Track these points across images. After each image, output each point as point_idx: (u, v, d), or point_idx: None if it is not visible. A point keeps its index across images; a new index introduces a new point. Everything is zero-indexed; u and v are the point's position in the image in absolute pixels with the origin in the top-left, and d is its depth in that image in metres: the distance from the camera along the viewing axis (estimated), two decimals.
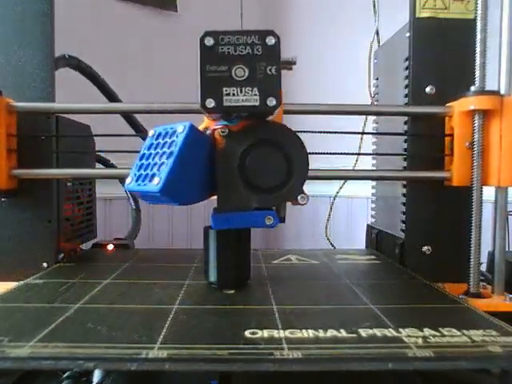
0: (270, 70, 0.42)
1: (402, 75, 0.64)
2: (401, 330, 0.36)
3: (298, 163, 0.45)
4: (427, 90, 0.59)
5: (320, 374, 0.35)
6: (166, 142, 0.42)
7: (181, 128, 0.41)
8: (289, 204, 0.47)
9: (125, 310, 0.41)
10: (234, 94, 0.41)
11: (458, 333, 0.35)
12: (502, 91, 0.53)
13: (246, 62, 0.41)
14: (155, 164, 0.41)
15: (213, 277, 0.49)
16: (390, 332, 0.35)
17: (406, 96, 0.63)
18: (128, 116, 0.79)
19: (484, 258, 0.56)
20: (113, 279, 0.52)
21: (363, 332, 0.35)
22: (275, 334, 0.35)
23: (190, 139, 0.41)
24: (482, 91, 0.52)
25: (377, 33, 0.79)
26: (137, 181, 0.42)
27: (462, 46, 0.58)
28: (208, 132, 0.45)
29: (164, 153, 0.41)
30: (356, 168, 0.83)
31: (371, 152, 0.78)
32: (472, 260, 0.52)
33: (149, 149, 0.43)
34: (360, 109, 0.60)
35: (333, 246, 0.94)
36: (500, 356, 0.31)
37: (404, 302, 0.45)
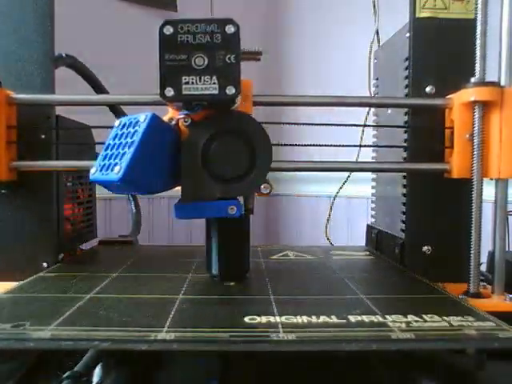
0: (230, 58, 0.42)
1: (402, 75, 0.64)
2: (387, 316, 0.39)
3: (261, 153, 0.45)
4: (427, 89, 0.59)
5: (316, 365, 0.40)
6: (129, 132, 0.42)
7: (142, 117, 0.41)
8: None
9: (133, 300, 0.44)
10: (193, 83, 0.42)
11: (439, 319, 0.38)
12: (502, 82, 0.52)
13: (205, 51, 0.42)
14: (118, 154, 0.41)
15: (214, 270, 0.51)
16: (377, 318, 0.38)
17: (406, 96, 0.63)
18: (113, 108, 0.79)
19: (484, 258, 0.56)
20: (120, 273, 0.55)
21: (352, 318, 0.38)
22: (272, 319, 0.38)
23: (152, 128, 0.41)
24: (482, 83, 0.52)
25: (377, 33, 0.79)
26: (101, 171, 0.42)
27: (462, 45, 0.58)
28: (173, 122, 0.45)
29: (127, 142, 0.41)
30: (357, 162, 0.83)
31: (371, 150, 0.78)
32: (472, 260, 0.52)
33: (114, 139, 0.43)
34: (360, 100, 0.60)
35: (333, 245, 0.95)
36: (474, 337, 0.34)
37: (392, 293, 0.48)
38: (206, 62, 0.42)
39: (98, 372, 0.40)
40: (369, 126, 0.74)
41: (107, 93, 0.78)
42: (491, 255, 0.55)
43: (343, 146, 0.58)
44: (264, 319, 0.38)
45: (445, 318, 0.38)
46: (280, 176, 1.90)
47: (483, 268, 0.59)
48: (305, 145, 0.56)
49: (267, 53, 0.49)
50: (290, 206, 1.88)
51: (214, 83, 0.42)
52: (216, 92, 0.42)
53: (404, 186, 0.63)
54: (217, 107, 0.45)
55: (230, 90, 0.42)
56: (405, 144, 0.62)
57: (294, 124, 0.59)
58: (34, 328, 0.35)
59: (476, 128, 0.52)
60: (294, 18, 1.72)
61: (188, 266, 0.59)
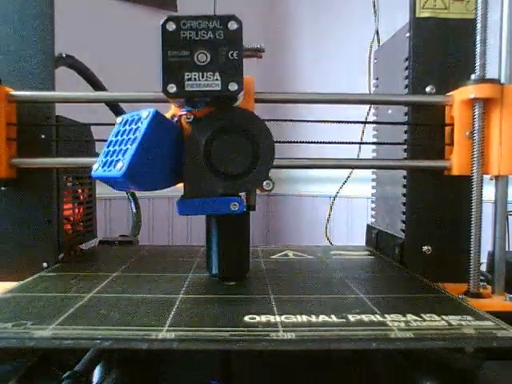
0: (232, 54, 0.42)
1: (402, 75, 0.64)
2: (386, 315, 0.39)
3: (264, 149, 0.45)
4: (427, 89, 0.59)
5: (317, 365, 0.41)
6: (131, 129, 0.42)
7: (145, 114, 0.41)
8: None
9: (133, 300, 0.44)
10: (195, 79, 0.42)
11: (438, 318, 0.38)
12: (502, 80, 0.52)
13: (207, 47, 0.42)
14: (120, 150, 0.41)
15: (214, 270, 0.51)
16: (376, 317, 0.39)
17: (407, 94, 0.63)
18: (114, 106, 0.79)
19: (484, 258, 0.56)
20: (120, 273, 0.55)
21: (352, 317, 0.38)
22: (272, 318, 0.38)
23: (154, 125, 0.41)
24: (482, 79, 0.52)
25: (377, 33, 0.79)
26: (103, 167, 0.42)
27: (462, 45, 0.58)
28: (175, 119, 0.45)
29: (129, 139, 0.41)
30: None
31: (371, 150, 0.78)
32: (472, 259, 0.52)
33: (116, 136, 0.44)
34: (360, 98, 0.60)
35: (332, 245, 0.95)
36: (473, 337, 0.35)
37: (392, 292, 0.48)
38: (208, 59, 0.42)
39: (97, 372, 0.40)
40: (369, 122, 0.74)
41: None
42: (491, 255, 0.55)
43: (343, 143, 0.57)
44: (264, 318, 0.38)
45: (444, 317, 0.39)
46: (280, 176, 1.90)
47: (483, 268, 0.59)
48: (305, 142, 0.56)
49: (263, 51, 0.49)
50: (290, 206, 1.88)
51: (217, 79, 0.42)
52: (219, 88, 0.42)
53: (404, 186, 0.63)
54: (219, 104, 0.45)
55: (233, 87, 0.42)
56: (405, 142, 0.62)
57: (294, 121, 0.58)
58: (35, 327, 0.35)
59: (476, 125, 0.52)
60: (295, 18, 1.72)
61: (188, 266, 0.59)
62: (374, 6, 0.79)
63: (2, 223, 0.59)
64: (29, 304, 0.42)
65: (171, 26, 0.42)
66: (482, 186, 0.52)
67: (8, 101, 0.55)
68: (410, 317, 0.39)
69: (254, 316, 0.38)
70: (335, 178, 0.98)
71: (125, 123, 0.44)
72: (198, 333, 0.35)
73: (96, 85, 0.77)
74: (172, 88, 0.42)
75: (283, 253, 0.69)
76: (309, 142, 0.56)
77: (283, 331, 0.35)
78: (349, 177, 0.95)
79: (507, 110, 0.51)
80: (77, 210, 0.74)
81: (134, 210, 0.92)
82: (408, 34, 0.61)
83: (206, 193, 0.45)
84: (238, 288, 0.49)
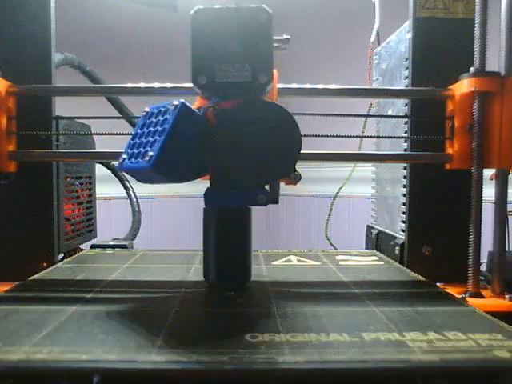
0: (262, 46, 0.41)
1: (402, 75, 0.64)
2: (405, 333, 0.35)
3: (291, 142, 0.44)
4: None
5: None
6: (158, 120, 0.42)
7: (173, 106, 0.41)
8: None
9: (121, 313, 0.40)
10: (225, 71, 0.41)
11: (464, 337, 0.34)
12: (502, 73, 0.52)
13: (238, 39, 0.41)
14: (148, 142, 0.41)
15: (212, 278, 0.48)
16: (394, 336, 0.34)
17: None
18: (115, 102, 0.79)
19: (484, 258, 0.56)
20: (109, 280, 0.51)
21: (366, 336, 0.34)
22: (276, 337, 0.34)
23: (182, 116, 0.41)
24: (482, 72, 0.51)
25: (377, 33, 0.79)
26: (129, 159, 0.42)
27: (462, 45, 0.58)
28: (201, 111, 0.45)
29: (157, 130, 0.41)
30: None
31: (372, 149, 0.78)
32: (471, 259, 0.52)
33: (142, 128, 0.43)
34: (361, 91, 0.60)
35: (333, 246, 0.94)
36: (508, 361, 0.30)
37: (407, 305, 0.43)
38: (239, 50, 0.41)
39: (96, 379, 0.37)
40: (371, 116, 0.74)
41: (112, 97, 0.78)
42: (491, 255, 0.55)
43: (345, 136, 0.57)
44: (267, 337, 0.34)
45: (470, 335, 0.34)
46: None
47: (483, 268, 0.58)
48: (305, 135, 0.55)
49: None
50: (290, 206, 1.88)
51: (247, 71, 0.41)
52: (249, 80, 0.41)
53: (404, 186, 0.63)
54: (247, 96, 0.44)
55: (263, 78, 0.41)
56: (405, 142, 0.62)
57: (308, 114, 0.58)
58: (5, 349, 0.31)
59: (476, 118, 0.52)
60: (295, 19, 1.72)
61: (184, 273, 0.55)
62: (374, 6, 0.79)
63: (2, 223, 0.59)
64: (4, 320, 0.37)
65: (201, 17, 0.41)
66: (481, 179, 0.52)
67: (8, 94, 0.55)
68: (432, 335, 0.34)
69: (256, 334, 0.34)
70: (335, 178, 0.98)
71: (150, 115, 0.43)
72: (192, 355, 0.30)
73: (98, 82, 0.77)
74: (203, 79, 0.41)
75: (286, 258, 0.65)
76: (309, 136, 0.56)
77: (290, 354, 0.30)
78: (349, 177, 0.95)
79: (507, 103, 0.51)
80: (77, 210, 0.74)
81: (136, 216, 0.92)
82: (408, 34, 0.61)
83: (232, 185, 0.44)
84: (238, 299, 0.45)
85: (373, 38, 0.79)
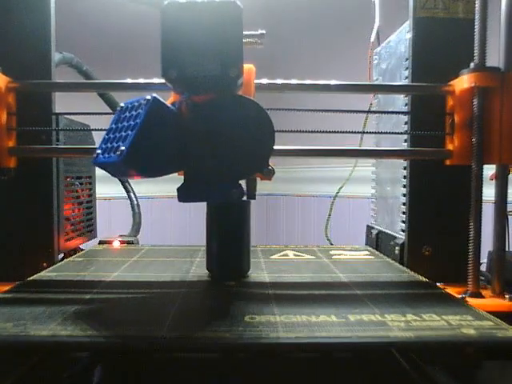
0: (233, 40, 0.41)
1: (402, 75, 0.64)
2: (386, 315, 0.39)
3: (263, 136, 0.44)
4: None
5: (315, 364, 0.41)
6: (131, 115, 0.42)
7: (145, 100, 0.41)
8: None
9: (134, 299, 0.45)
10: (196, 64, 0.41)
11: (438, 318, 0.38)
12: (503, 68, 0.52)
13: (208, 32, 0.41)
14: (120, 136, 0.41)
15: (215, 268, 0.52)
16: (376, 317, 0.38)
17: (406, 96, 0.63)
18: (105, 96, 0.79)
19: (484, 258, 0.56)
20: (119, 273, 0.55)
21: (352, 317, 0.38)
22: (271, 318, 0.38)
23: (154, 111, 0.41)
24: (482, 68, 0.51)
25: (377, 33, 0.79)
26: (103, 154, 0.42)
27: (461, 46, 0.58)
28: (175, 105, 0.45)
29: (129, 125, 0.41)
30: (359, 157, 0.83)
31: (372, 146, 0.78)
32: (471, 259, 0.52)
33: (116, 123, 0.43)
34: (362, 87, 0.60)
35: (332, 245, 0.94)
36: (473, 337, 0.34)
37: (392, 292, 0.48)
38: (209, 43, 0.41)
39: (97, 372, 0.40)
40: (372, 112, 0.74)
41: (105, 94, 0.79)
42: (491, 255, 0.55)
43: (346, 132, 0.57)
44: (263, 318, 0.38)
45: (443, 317, 0.39)
46: (280, 176, 1.90)
47: (483, 268, 0.58)
48: (307, 131, 0.55)
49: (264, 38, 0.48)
50: (290, 206, 1.88)
51: (217, 64, 0.41)
52: (219, 73, 0.41)
53: (404, 186, 0.63)
54: (219, 90, 0.44)
55: (233, 72, 0.41)
56: (405, 139, 0.62)
57: (294, 110, 0.58)
58: (34, 327, 0.35)
59: (476, 114, 0.51)
60: (295, 19, 1.72)
61: (188, 266, 0.59)
62: (374, 5, 0.79)
63: (2, 223, 0.59)
64: (28, 305, 0.42)
65: (171, 11, 0.41)
66: (481, 175, 0.52)
67: (8, 90, 0.55)
68: (409, 316, 0.39)
69: (254, 316, 0.39)
70: (335, 178, 0.98)
71: (125, 110, 0.43)
72: (197, 333, 0.35)
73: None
74: (172, 73, 0.41)
75: (283, 253, 0.70)
76: (310, 132, 0.56)
77: (283, 331, 0.35)
78: (349, 177, 0.95)
79: (507, 98, 0.51)
80: (77, 210, 0.74)
81: (136, 211, 0.92)
82: (408, 34, 0.61)
83: (206, 179, 0.45)
84: (238, 288, 0.49)
85: (373, 38, 0.79)
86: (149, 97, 0.41)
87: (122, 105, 0.44)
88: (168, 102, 0.46)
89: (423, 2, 0.59)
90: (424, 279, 0.54)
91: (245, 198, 0.47)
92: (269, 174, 0.46)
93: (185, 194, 0.46)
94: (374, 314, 0.39)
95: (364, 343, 0.34)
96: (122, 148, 0.39)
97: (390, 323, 0.37)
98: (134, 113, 0.42)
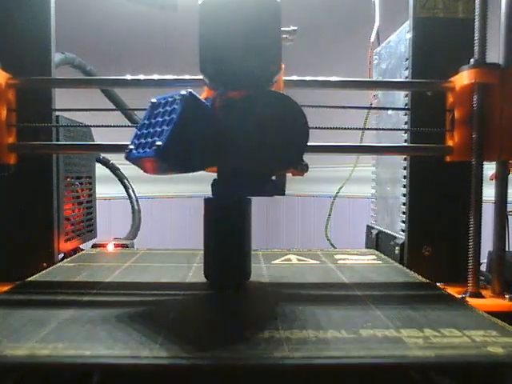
0: (272, 36, 0.41)
1: (402, 75, 0.64)
2: (401, 330, 0.35)
3: (298, 132, 0.43)
4: (428, 92, 0.59)
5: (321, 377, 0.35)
6: (166, 111, 0.41)
7: (180, 96, 0.41)
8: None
9: (123, 310, 0.40)
10: (234, 60, 0.41)
11: (459, 333, 0.35)
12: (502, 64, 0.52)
13: (246, 28, 0.41)
14: (155, 132, 0.41)
15: (213, 276, 0.49)
16: (391, 332, 0.35)
17: (406, 96, 0.63)
18: (110, 95, 0.79)
19: (484, 258, 0.56)
20: (111, 280, 0.52)
21: (364, 332, 0.35)
22: (276, 334, 0.34)
23: (190, 106, 0.40)
24: (482, 64, 0.51)
25: (377, 33, 0.79)
26: (136, 149, 0.42)
27: (461, 45, 0.58)
28: (209, 101, 0.44)
29: (164, 120, 0.41)
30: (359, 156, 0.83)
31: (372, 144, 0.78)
32: (471, 259, 0.52)
33: (148, 118, 0.43)
34: (363, 83, 0.60)
35: (333, 246, 0.94)
36: (501, 356, 0.31)
37: (405, 303, 0.44)
38: (247, 40, 0.41)
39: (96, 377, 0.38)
40: (372, 108, 0.73)
41: (112, 91, 0.79)
42: (491, 255, 0.55)
43: (346, 128, 0.57)
44: (266, 334, 0.34)
45: (465, 332, 0.35)
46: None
47: (483, 268, 0.58)
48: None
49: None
50: (290, 206, 1.88)
51: (256, 61, 0.41)
52: (257, 69, 0.41)
53: (404, 187, 0.63)
54: (254, 86, 0.44)
55: (271, 68, 0.41)
56: (405, 139, 0.62)
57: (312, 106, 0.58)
58: (11, 345, 0.32)
59: (476, 110, 0.51)
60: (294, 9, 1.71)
61: (185, 272, 0.55)
62: (374, 5, 0.79)
63: (2, 223, 0.59)
64: (6, 318, 0.38)
65: (209, 7, 0.41)
66: (481, 172, 0.51)
67: (8, 86, 0.55)
68: (428, 332, 0.35)
69: (256, 332, 0.35)
70: (335, 178, 0.98)
71: (157, 106, 0.43)
72: (193, 351, 0.31)
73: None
74: (211, 68, 0.41)
75: (286, 257, 0.66)
76: (311, 128, 0.56)
77: (288, 350, 0.31)
78: (349, 176, 0.95)
79: (507, 94, 0.51)
80: (77, 210, 0.74)
81: (136, 211, 0.92)
82: (408, 34, 0.61)
83: (239, 174, 0.44)
84: (238, 297, 0.46)
85: (373, 37, 0.79)
86: (184, 92, 0.41)
87: (154, 100, 0.44)
88: (201, 97, 0.46)
89: (423, 1, 0.59)
90: (438, 286, 0.51)
91: (275, 192, 0.46)
92: (303, 170, 0.45)
93: (219, 190, 0.45)
94: (387, 329, 0.36)
95: (379, 364, 0.30)
96: (159, 143, 0.39)
97: (407, 340, 0.33)
98: (168, 108, 0.41)
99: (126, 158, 0.43)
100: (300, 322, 0.37)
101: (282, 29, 0.44)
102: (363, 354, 0.31)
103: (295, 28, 0.47)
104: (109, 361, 0.30)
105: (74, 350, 0.31)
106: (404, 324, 0.37)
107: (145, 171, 0.43)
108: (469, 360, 0.30)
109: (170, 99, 0.42)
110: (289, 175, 0.48)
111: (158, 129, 0.41)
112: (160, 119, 0.41)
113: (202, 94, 0.47)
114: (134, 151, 0.42)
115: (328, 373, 0.31)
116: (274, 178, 0.46)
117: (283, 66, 0.46)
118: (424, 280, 0.53)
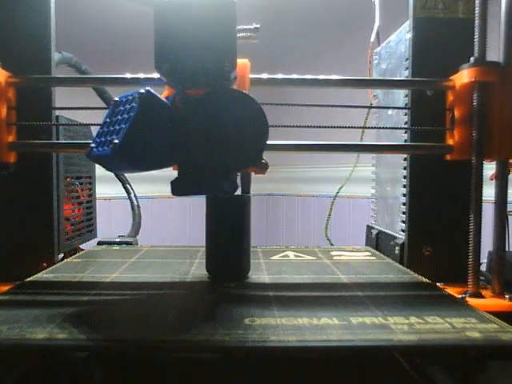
0: (226, 33, 0.41)
1: (402, 75, 0.64)
2: (389, 318, 0.38)
3: (257, 131, 0.44)
4: (428, 92, 0.59)
5: (316, 367, 0.40)
6: (125, 109, 0.42)
7: (138, 94, 0.41)
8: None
9: (132, 301, 0.44)
10: (188, 58, 0.41)
11: (441, 320, 0.38)
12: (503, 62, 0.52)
13: (201, 26, 0.41)
14: (115, 130, 0.41)
15: (214, 270, 0.52)
16: (379, 320, 0.38)
17: (406, 96, 0.63)
18: (101, 92, 0.80)
19: (484, 258, 0.56)
20: (118, 274, 0.54)
21: (354, 320, 0.38)
22: (272, 321, 0.38)
23: (148, 104, 0.40)
24: (482, 62, 0.51)
25: (377, 33, 0.79)
26: (97, 147, 0.42)
27: (462, 46, 0.58)
28: (169, 99, 0.44)
29: (124, 118, 0.41)
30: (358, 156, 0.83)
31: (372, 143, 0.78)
32: (471, 259, 0.52)
33: (110, 117, 0.43)
34: (362, 82, 0.60)
35: (333, 246, 0.94)
36: (478, 340, 0.34)
37: (394, 294, 0.48)
38: (201, 38, 0.41)
39: (96, 374, 0.40)
40: (372, 107, 0.73)
41: (106, 90, 0.79)
42: (491, 255, 0.55)
43: (345, 127, 0.57)
44: (264, 321, 0.38)
45: (447, 319, 0.38)
46: (280, 176, 1.91)
47: (483, 268, 0.58)
48: (308, 126, 0.55)
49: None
50: (290, 206, 1.88)
51: (210, 58, 0.41)
52: (211, 66, 0.41)
53: (404, 187, 0.63)
54: (213, 84, 0.44)
55: (226, 66, 0.41)
56: (405, 140, 0.62)
57: (291, 105, 0.57)
58: (30, 330, 0.35)
59: (476, 108, 0.51)
60: (294, 20, 1.71)
61: (188, 267, 0.59)
62: (374, 5, 0.79)
63: (2, 223, 0.59)
64: (25, 307, 0.41)
65: (163, 6, 0.41)
66: (482, 171, 0.51)
67: (8, 84, 0.55)
68: (412, 319, 0.38)
69: (254, 318, 0.38)
70: (335, 178, 0.98)
71: (118, 104, 0.43)
72: (197, 336, 0.34)
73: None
74: (165, 66, 0.41)
75: (284, 254, 0.69)
76: (309, 127, 0.56)
77: (284, 334, 0.34)
78: (349, 176, 0.95)
79: (507, 93, 0.51)
80: (77, 210, 0.74)
81: (136, 211, 0.92)
82: (408, 34, 0.61)
83: (199, 173, 0.44)
84: (238, 289, 0.49)
85: (373, 37, 0.79)
86: (142, 90, 0.41)
87: (117, 99, 0.44)
88: (162, 96, 0.46)
89: (423, 1, 0.59)
90: (426, 280, 0.53)
91: (239, 192, 0.47)
92: (262, 168, 0.46)
93: (178, 188, 0.46)
94: (376, 317, 0.39)
95: (366, 347, 0.33)
96: (116, 141, 0.39)
97: (393, 326, 0.36)
98: (127, 106, 0.41)
99: (88, 157, 0.43)
100: (295, 311, 0.41)
101: (245, 27, 0.44)
102: (352, 338, 0.34)
103: (258, 26, 0.47)
104: (119, 344, 0.33)
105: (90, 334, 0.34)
106: (391, 313, 0.40)
107: (106, 169, 0.44)
108: (448, 343, 0.34)
109: (130, 97, 0.42)
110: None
111: (117, 127, 0.41)
112: (120, 117, 0.41)
113: (164, 93, 0.47)
114: (95, 149, 0.42)
115: (323, 360, 0.36)
116: (239, 176, 0.47)
117: (248, 64, 0.46)
118: (420, 278, 0.54)
